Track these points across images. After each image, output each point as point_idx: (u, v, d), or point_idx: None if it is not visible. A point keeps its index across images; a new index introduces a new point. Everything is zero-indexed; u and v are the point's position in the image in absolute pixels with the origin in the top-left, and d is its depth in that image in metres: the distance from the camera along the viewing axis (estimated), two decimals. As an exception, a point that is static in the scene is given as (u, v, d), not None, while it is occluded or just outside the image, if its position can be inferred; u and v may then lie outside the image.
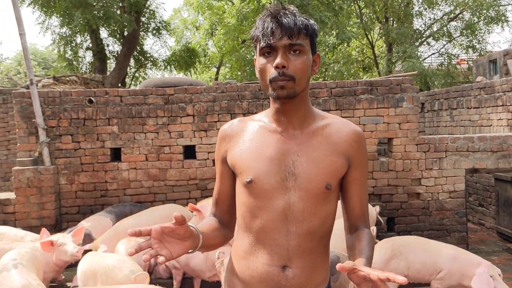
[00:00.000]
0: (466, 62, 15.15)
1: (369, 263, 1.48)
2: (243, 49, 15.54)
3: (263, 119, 1.67)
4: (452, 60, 14.86)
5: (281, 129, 1.61)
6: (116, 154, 5.85)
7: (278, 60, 1.48)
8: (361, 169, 1.65)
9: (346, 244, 1.69)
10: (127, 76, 14.37)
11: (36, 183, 5.53)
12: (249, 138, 1.65)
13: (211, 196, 5.75)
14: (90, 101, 5.70)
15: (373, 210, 5.15)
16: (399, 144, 5.85)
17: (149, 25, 13.78)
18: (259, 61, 1.55)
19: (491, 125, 7.13)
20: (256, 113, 5.91)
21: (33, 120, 5.62)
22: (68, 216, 5.71)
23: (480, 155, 5.84)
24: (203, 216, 4.32)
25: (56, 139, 5.71)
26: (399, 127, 5.85)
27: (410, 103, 5.84)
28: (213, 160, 5.80)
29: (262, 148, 1.61)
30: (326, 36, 11.93)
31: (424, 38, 14.26)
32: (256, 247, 1.59)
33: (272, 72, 1.50)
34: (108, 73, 13.42)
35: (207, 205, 4.43)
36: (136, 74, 15.77)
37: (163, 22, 14.41)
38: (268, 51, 1.52)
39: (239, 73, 15.60)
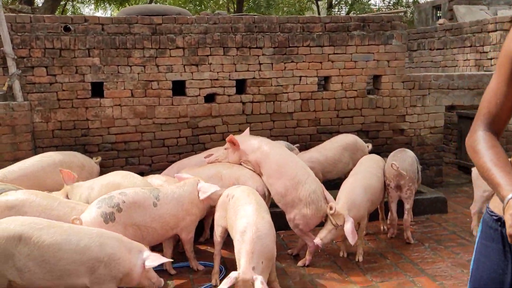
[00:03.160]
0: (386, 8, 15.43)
1: None
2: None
3: None
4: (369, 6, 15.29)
5: None
6: (97, 89, 5.30)
7: None
8: None
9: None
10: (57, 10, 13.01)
11: (9, 121, 4.88)
12: None
13: (203, 134, 5.52)
14: (67, 29, 5.05)
15: (366, 147, 5.27)
16: (387, 81, 5.93)
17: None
18: None
19: (456, 66, 7.48)
20: (250, 48, 5.62)
21: (0, 48, 4.89)
22: (45, 157, 5.16)
23: (458, 93, 6.13)
24: (240, 151, 4.08)
25: (28, 72, 5.03)
26: (387, 64, 5.91)
27: (399, 41, 5.90)
28: (205, 97, 5.50)
29: None
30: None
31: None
32: None
33: None
34: (36, 5, 12.06)
35: (243, 141, 4.17)
36: (66, 8, 14.33)
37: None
38: None
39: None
